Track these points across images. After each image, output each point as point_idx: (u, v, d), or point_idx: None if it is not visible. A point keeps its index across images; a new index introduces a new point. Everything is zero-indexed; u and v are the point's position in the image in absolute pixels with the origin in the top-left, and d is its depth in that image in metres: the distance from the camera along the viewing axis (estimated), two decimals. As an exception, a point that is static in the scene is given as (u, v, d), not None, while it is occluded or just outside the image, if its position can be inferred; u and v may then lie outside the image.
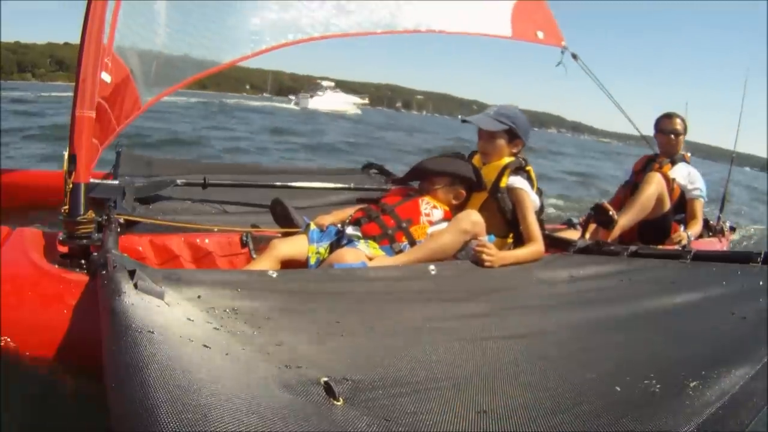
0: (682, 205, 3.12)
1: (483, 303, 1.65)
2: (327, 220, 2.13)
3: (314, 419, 0.85)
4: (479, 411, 0.99)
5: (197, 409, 0.74)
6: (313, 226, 2.09)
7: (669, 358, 1.30)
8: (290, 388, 0.94)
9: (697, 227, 3.08)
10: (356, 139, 18.04)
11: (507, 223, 2.19)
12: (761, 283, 1.79)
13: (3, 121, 10.45)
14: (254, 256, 2.18)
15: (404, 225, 2.05)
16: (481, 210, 2.10)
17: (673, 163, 3.15)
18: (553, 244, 2.37)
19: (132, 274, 1.25)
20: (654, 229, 2.90)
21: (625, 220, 2.74)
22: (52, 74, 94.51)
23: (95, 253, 1.52)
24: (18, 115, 13.37)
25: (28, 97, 21.90)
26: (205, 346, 1.02)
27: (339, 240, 2.04)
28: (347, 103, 58.59)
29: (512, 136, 2.23)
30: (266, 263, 1.90)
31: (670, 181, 3.00)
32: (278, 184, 3.02)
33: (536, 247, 2.09)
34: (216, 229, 2.25)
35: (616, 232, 2.73)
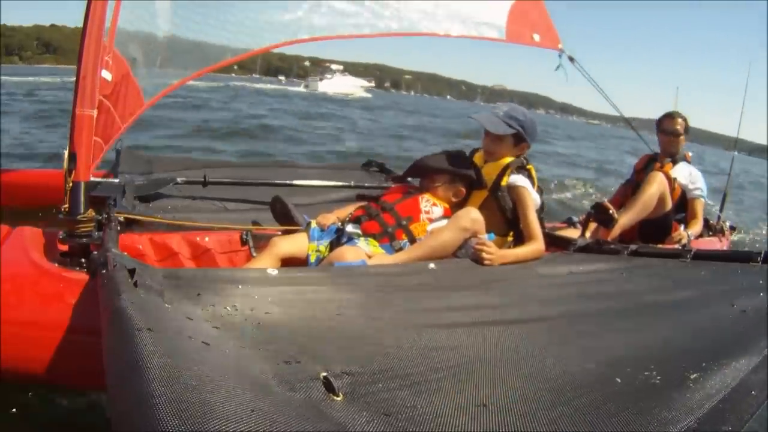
0: (683, 204, 3.11)
1: (482, 296, 1.65)
2: (328, 219, 2.13)
3: (314, 416, 0.85)
4: (479, 404, 0.99)
5: (197, 407, 0.74)
6: (313, 224, 2.09)
7: (669, 350, 1.31)
8: (290, 384, 0.94)
9: (697, 227, 3.08)
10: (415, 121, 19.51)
11: (507, 221, 2.18)
12: (761, 282, 1.79)
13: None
14: (254, 254, 2.18)
15: (404, 223, 2.06)
16: (481, 208, 2.10)
17: (675, 162, 3.14)
18: (554, 242, 2.37)
19: (132, 272, 1.25)
20: (655, 229, 2.89)
21: (626, 219, 2.74)
22: (39, 57, 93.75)
23: (95, 252, 1.51)
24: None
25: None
26: (204, 343, 1.02)
27: (339, 238, 2.04)
28: (355, 86, 59.66)
29: (519, 139, 2.22)
30: (266, 261, 1.90)
31: (671, 181, 3.00)
32: (278, 181, 3.02)
33: (536, 245, 2.09)
34: (216, 228, 2.25)
35: (617, 230, 2.73)
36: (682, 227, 3.01)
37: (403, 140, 13.28)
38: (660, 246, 2.63)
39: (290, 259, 1.95)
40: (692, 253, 2.10)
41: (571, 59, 3.64)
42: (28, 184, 3.25)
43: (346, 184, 3.20)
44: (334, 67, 68.51)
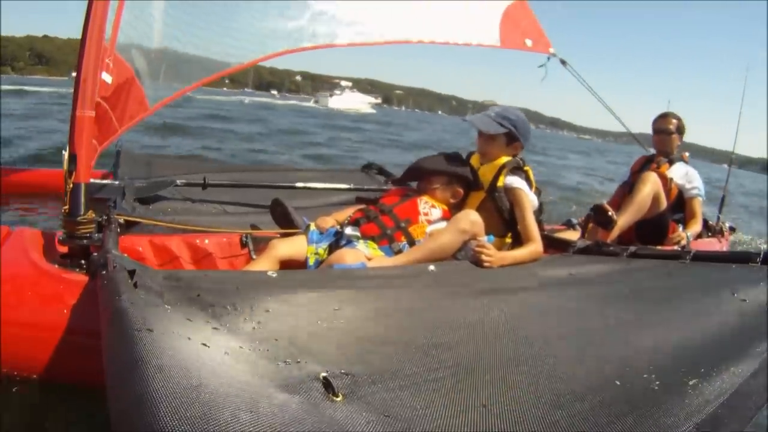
0: (681, 204, 3.12)
1: (482, 298, 1.65)
2: (327, 222, 2.13)
3: (314, 416, 0.85)
4: (479, 405, 0.99)
5: (197, 408, 0.75)
6: (312, 227, 2.09)
7: (669, 355, 1.31)
8: (290, 385, 0.94)
9: (696, 227, 3.08)
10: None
11: (505, 222, 2.19)
12: (761, 283, 1.79)
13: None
14: (254, 256, 2.18)
15: (403, 225, 2.06)
16: (479, 210, 2.10)
17: (671, 162, 3.15)
18: (553, 244, 2.37)
19: (132, 274, 1.25)
20: (651, 229, 2.90)
21: (622, 221, 2.74)
22: (32, 68, 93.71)
23: (95, 253, 1.52)
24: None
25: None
26: (204, 345, 1.02)
27: (338, 241, 2.04)
28: (363, 102, 62.53)
29: (511, 138, 2.23)
30: (265, 264, 1.90)
31: (667, 181, 3.01)
32: (278, 184, 3.02)
33: (535, 247, 2.09)
34: (215, 230, 2.25)
35: (615, 232, 2.73)
36: (680, 228, 3.01)
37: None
38: (659, 247, 2.63)
39: (289, 261, 1.95)
40: (692, 254, 2.10)
41: (563, 62, 3.64)
42: (28, 183, 3.26)
43: (346, 186, 3.21)
44: (343, 83, 72.95)
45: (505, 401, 1.02)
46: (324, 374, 1.00)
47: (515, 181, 2.17)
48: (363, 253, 1.92)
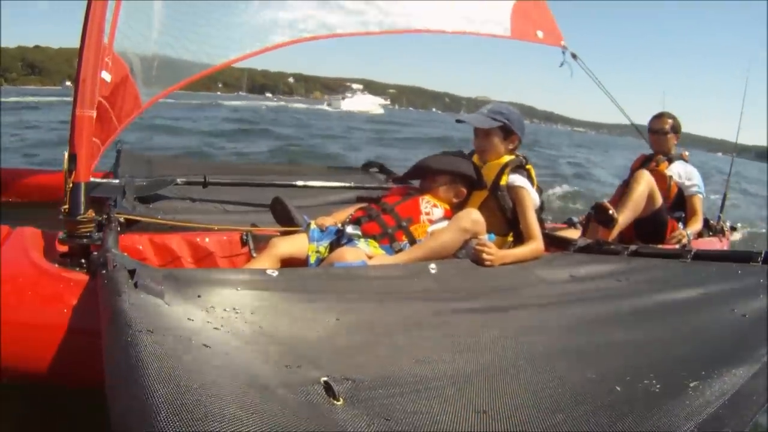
0: (681, 202, 3.12)
1: (483, 301, 1.65)
2: (328, 221, 2.13)
3: (314, 420, 0.85)
4: (479, 410, 0.99)
5: (197, 409, 0.74)
6: (313, 225, 2.09)
7: (669, 357, 1.30)
8: (290, 388, 0.94)
9: (697, 225, 3.09)
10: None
11: (507, 221, 2.19)
12: (762, 282, 1.78)
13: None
14: (254, 255, 2.18)
15: (404, 224, 2.05)
16: (481, 208, 2.10)
17: (670, 161, 3.16)
18: (554, 243, 2.36)
19: (132, 273, 1.25)
20: (649, 227, 2.91)
21: (621, 219, 2.75)
22: (25, 78, 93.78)
23: (95, 253, 1.51)
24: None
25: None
26: (205, 345, 1.02)
27: (339, 239, 2.04)
28: (373, 104, 64.87)
29: (507, 132, 2.24)
30: (266, 262, 1.90)
31: (666, 179, 3.02)
32: (278, 183, 3.02)
33: (536, 245, 2.09)
34: (216, 229, 2.25)
35: (615, 231, 2.74)
36: (681, 226, 3.01)
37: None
38: (660, 246, 2.63)
39: (290, 259, 1.95)
40: (692, 253, 2.10)
41: (574, 56, 3.65)
42: (28, 183, 3.26)
43: (347, 185, 3.20)
44: (354, 86, 75.56)
45: (506, 406, 1.01)
46: (324, 378, 0.99)
47: (518, 180, 2.17)
48: (364, 252, 1.91)
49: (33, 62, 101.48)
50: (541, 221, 2.24)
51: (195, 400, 0.76)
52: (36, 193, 3.24)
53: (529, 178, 2.24)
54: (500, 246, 2.10)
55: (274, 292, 1.42)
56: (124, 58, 1.96)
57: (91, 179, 1.73)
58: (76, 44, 1.73)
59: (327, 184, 3.14)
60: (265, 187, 2.94)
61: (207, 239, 2.24)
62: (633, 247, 2.21)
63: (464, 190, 2.21)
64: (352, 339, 1.26)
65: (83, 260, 1.65)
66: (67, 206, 1.64)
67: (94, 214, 1.69)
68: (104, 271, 1.28)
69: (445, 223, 2.06)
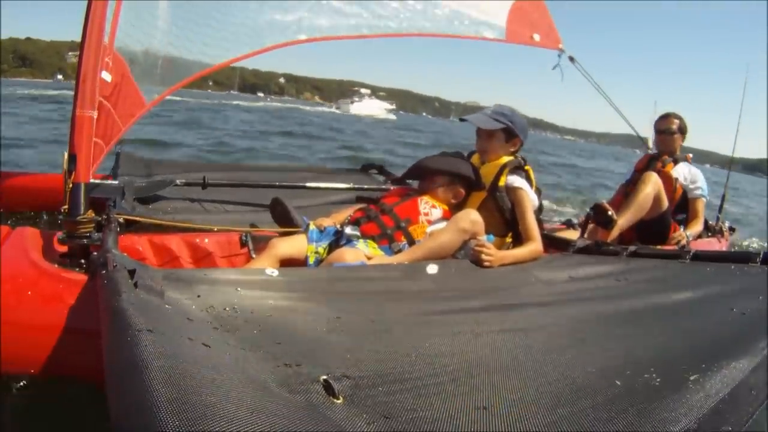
0: (684, 204, 3.12)
1: (482, 299, 1.65)
2: (327, 222, 2.13)
3: (314, 418, 0.85)
4: (479, 407, 0.99)
5: (197, 408, 0.74)
6: (312, 226, 2.09)
7: (669, 352, 1.31)
8: (290, 386, 0.94)
9: (697, 227, 3.09)
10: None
11: (506, 222, 2.19)
12: (761, 282, 1.79)
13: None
14: (254, 255, 2.18)
15: (403, 224, 2.06)
16: (480, 209, 2.10)
17: (675, 162, 3.15)
18: (553, 244, 2.37)
19: (132, 273, 1.25)
20: (652, 229, 2.90)
21: (623, 220, 2.74)
22: (16, 70, 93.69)
23: (95, 253, 1.52)
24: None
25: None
26: (204, 345, 1.02)
27: (338, 240, 2.04)
28: (380, 109, 67.94)
29: (510, 134, 2.24)
30: (265, 262, 1.90)
31: (672, 181, 3.01)
32: (277, 183, 3.02)
33: (534, 246, 2.09)
34: (215, 229, 2.25)
35: (615, 232, 2.73)
36: (681, 228, 3.01)
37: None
38: (659, 247, 2.63)
39: (289, 260, 1.95)
40: (691, 254, 2.10)
41: (572, 59, 3.64)
42: (28, 187, 3.25)
43: (346, 186, 3.20)
44: (363, 91, 79.75)
45: (506, 402, 1.01)
46: (324, 377, 0.99)
47: (516, 181, 2.18)
48: (363, 253, 1.92)
49: (24, 54, 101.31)
50: (540, 222, 2.24)
51: (194, 400, 0.76)
52: (35, 199, 3.23)
53: (528, 179, 2.24)
54: (499, 247, 2.11)
55: (273, 292, 1.42)
56: (126, 57, 1.97)
57: (91, 180, 1.73)
58: (68, 37, 1.74)
59: (326, 185, 3.15)
60: (265, 187, 2.95)
61: (206, 240, 2.24)
62: (632, 248, 2.22)
63: (463, 191, 2.21)
64: (351, 338, 1.26)
65: (83, 260, 1.65)
66: (66, 206, 1.64)
67: (93, 215, 1.69)
68: (104, 272, 1.29)
69: (443, 224, 2.06)
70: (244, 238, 2.25)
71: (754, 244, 6.58)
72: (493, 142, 2.24)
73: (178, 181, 2.82)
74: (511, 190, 2.17)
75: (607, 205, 2.70)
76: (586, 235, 2.74)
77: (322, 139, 15.38)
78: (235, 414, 0.76)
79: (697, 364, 1.17)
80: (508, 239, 2.22)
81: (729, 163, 4.28)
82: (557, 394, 1.06)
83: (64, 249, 1.68)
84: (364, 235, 2.03)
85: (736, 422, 1.00)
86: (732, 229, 3.75)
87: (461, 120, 2.40)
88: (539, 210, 2.30)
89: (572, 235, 2.85)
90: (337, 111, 58.48)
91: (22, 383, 1.49)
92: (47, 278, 1.51)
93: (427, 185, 2.21)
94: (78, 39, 1.76)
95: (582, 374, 1.15)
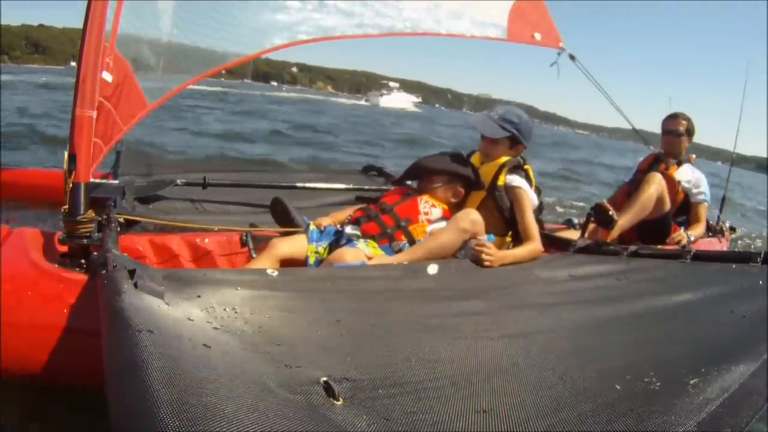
0: (686, 207, 3.10)
1: (482, 301, 1.65)
2: (326, 221, 2.13)
3: (314, 418, 0.85)
4: (479, 410, 0.99)
5: (197, 409, 0.74)
6: (312, 226, 2.09)
7: (669, 356, 1.31)
8: (290, 387, 0.94)
9: (699, 230, 3.06)
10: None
11: (505, 221, 2.19)
12: (761, 282, 1.78)
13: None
14: (254, 255, 2.18)
15: (403, 224, 2.06)
16: (479, 208, 2.10)
17: (679, 164, 3.12)
18: (553, 243, 2.37)
19: (132, 273, 1.25)
20: (653, 229, 2.89)
21: (624, 220, 2.73)
22: (29, 57, 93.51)
23: (95, 253, 1.51)
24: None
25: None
26: (204, 345, 1.02)
27: (338, 240, 2.04)
28: (408, 102, 70.61)
29: (514, 141, 2.24)
30: (265, 262, 1.90)
31: (675, 183, 2.98)
32: (278, 184, 3.02)
33: (534, 245, 2.09)
34: (216, 229, 2.25)
35: (616, 231, 2.73)
36: (682, 229, 3.00)
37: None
38: (660, 247, 2.63)
39: (289, 260, 1.95)
40: (692, 254, 2.10)
41: (572, 57, 3.64)
42: (28, 183, 3.26)
43: (346, 187, 3.20)
44: (391, 84, 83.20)
45: (506, 406, 1.01)
46: (324, 378, 0.99)
47: (515, 180, 2.17)
48: (363, 252, 1.91)
49: (37, 41, 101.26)
50: (540, 222, 2.24)
51: (194, 400, 0.76)
52: (36, 193, 3.24)
53: (527, 178, 2.23)
54: (499, 246, 2.10)
55: (273, 292, 1.42)
56: (127, 56, 1.97)
57: (91, 180, 1.73)
58: (81, 24, 1.73)
59: (327, 186, 3.15)
60: (265, 188, 2.95)
61: (207, 240, 2.24)
62: (632, 248, 2.21)
63: (462, 190, 2.21)
64: (351, 339, 1.26)
65: (83, 260, 1.65)
66: (67, 206, 1.64)
67: (93, 215, 1.69)
68: (104, 271, 1.28)
69: (443, 223, 2.06)
70: (244, 237, 2.25)
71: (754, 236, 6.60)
72: (498, 149, 2.24)
73: (178, 181, 2.82)
74: (510, 189, 2.17)
75: (608, 205, 2.69)
76: (586, 235, 2.74)
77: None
78: (235, 415, 0.76)
79: (697, 368, 1.17)
80: (508, 239, 2.22)
81: (730, 163, 4.28)
82: (557, 397, 1.06)
83: (64, 249, 1.68)
84: (365, 235, 2.03)
85: (735, 427, 1.00)
86: (732, 229, 3.75)
87: (467, 122, 2.39)
88: (539, 209, 2.30)
89: (573, 234, 2.85)
90: (367, 103, 60.27)
91: (22, 383, 1.49)
92: (47, 278, 1.51)
93: (427, 185, 2.21)
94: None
95: (582, 378, 1.15)
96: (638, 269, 2.04)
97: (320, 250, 2.02)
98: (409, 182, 2.44)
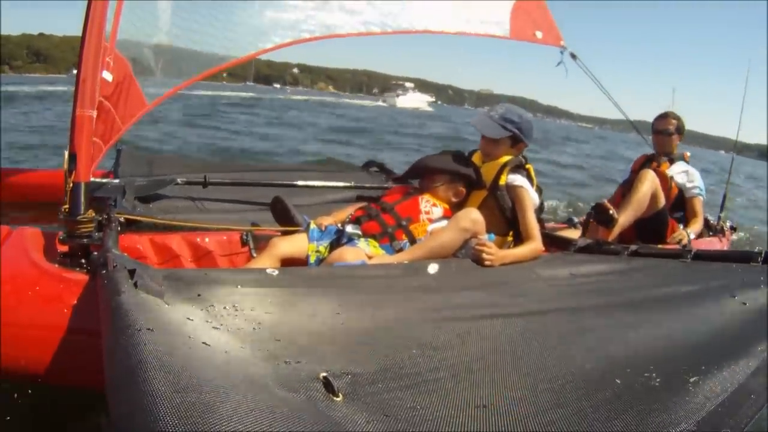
0: (681, 203, 3.12)
1: (483, 299, 1.65)
2: (327, 220, 2.13)
3: (314, 416, 0.85)
4: (479, 405, 0.99)
5: (197, 407, 0.74)
6: (313, 225, 2.09)
7: (669, 353, 1.31)
8: (290, 385, 0.94)
9: (697, 225, 3.09)
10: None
11: (507, 221, 2.18)
12: (761, 282, 1.78)
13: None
14: (254, 254, 2.18)
15: (404, 223, 2.05)
16: (480, 208, 2.10)
17: (672, 161, 3.16)
18: (554, 243, 2.36)
19: (132, 273, 1.25)
20: (651, 227, 2.90)
21: (623, 219, 2.75)
22: (30, 66, 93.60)
23: (95, 252, 1.51)
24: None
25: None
26: (204, 344, 1.02)
27: (339, 239, 2.04)
28: (422, 101, 71.19)
29: (515, 140, 2.24)
30: (266, 262, 1.90)
31: (667, 180, 3.02)
32: (278, 182, 3.02)
33: (535, 245, 2.09)
34: (216, 228, 2.25)
35: (616, 231, 2.73)
36: (681, 227, 3.01)
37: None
38: (660, 246, 2.63)
39: (290, 259, 1.95)
40: (692, 253, 2.10)
41: (573, 56, 3.65)
42: (28, 183, 3.26)
43: (347, 184, 3.20)
44: (407, 84, 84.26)
45: (506, 401, 1.02)
46: (324, 374, 0.99)
47: (517, 179, 2.17)
48: (364, 252, 1.91)
49: (38, 50, 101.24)
50: (540, 221, 2.23)
51: (195, 399, 0.76)
52: (36, 193, 3.24)
53: (529, 177, 2.23)
54: (500, 246, 2.10)
55: (274, 291, 1.42)
56: (127, 56, 1.97)
57: (92, 179, 1.73)
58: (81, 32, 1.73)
59: (327, 184, 3.14)
60: (265, 186, 2.94)
61: (207, 239, 2.24)
62: (633, 247, 2.21)
63: (463, 190, 2.21)
64: (351, 336, 1.26)
65: (83, 260, 1.65)
66: (67, 206, 1.64)
67: (94, 214, 1.69)
68: (104, 271, 1.29)
69: (444, 223, 2.06)
70: (244, 237, 2.25)
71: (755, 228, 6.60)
72: (499, 148, 2.24)
73: (178, 180, 2.81)
74: (512, 189, 2.17)
75: (609, 204, 2.69)
76: (587, 234, 2.74)
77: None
78: (236, 412, 0.76)
79: (697, 366, 1.17)
80: (509, 238, 2.21)
81: (731, 163, 4.27)
82: (557, 393, 1.06)
83: (64, 249, 1.68)
84: (365, 234, 2.03)
85: (735, 425, 1.00)
86: (733, 228, 3.75)
87: (467, 122, 2.39)
88: (540, 209, 2.30)
89: (573, 234, 2.85)
90: (384, 104, 61.04)
91: (22, 383, 1.49)
92: (48, 278, 1.51)
93: (428, 184, 2.21)
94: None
95: (582, 375, 1.15)
96: (639, 268, 2.04)
97: (321, 249, 2.02)
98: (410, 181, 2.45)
